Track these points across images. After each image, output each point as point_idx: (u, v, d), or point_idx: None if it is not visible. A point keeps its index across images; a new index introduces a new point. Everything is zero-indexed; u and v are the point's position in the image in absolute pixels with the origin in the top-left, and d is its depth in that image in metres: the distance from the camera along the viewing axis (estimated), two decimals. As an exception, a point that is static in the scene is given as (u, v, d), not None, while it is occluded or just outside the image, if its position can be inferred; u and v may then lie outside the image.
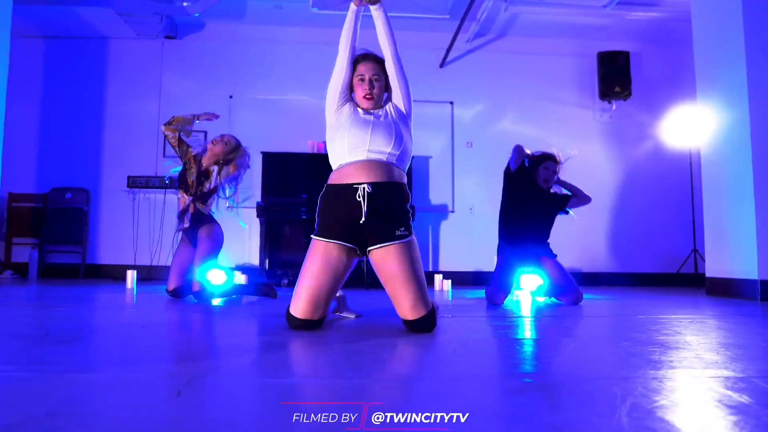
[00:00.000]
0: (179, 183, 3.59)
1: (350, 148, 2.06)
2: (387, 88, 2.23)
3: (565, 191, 3.82)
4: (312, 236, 2.08)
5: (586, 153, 6.37)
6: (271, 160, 5.64)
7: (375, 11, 2.19)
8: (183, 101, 6.19)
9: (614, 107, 6.35)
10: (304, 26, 6.11)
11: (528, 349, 1.81)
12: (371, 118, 2.12)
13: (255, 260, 5.88)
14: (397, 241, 1.99)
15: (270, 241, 5.52)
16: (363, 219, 1.98)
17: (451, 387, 1.25)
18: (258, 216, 5.38)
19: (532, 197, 3.64)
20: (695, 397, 1.14)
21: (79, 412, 0.99)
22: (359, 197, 1.98)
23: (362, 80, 2.16)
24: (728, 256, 4.36)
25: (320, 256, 2.00)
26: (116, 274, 5.86)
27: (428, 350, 1.72)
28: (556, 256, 3.66)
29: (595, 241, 6.25)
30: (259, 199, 5.57)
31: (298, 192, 5.47)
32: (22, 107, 5.88)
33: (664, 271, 6.18)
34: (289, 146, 5.89)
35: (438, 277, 5.03)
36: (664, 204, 6.30)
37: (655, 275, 6.19)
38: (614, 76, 6.17)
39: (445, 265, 6.07)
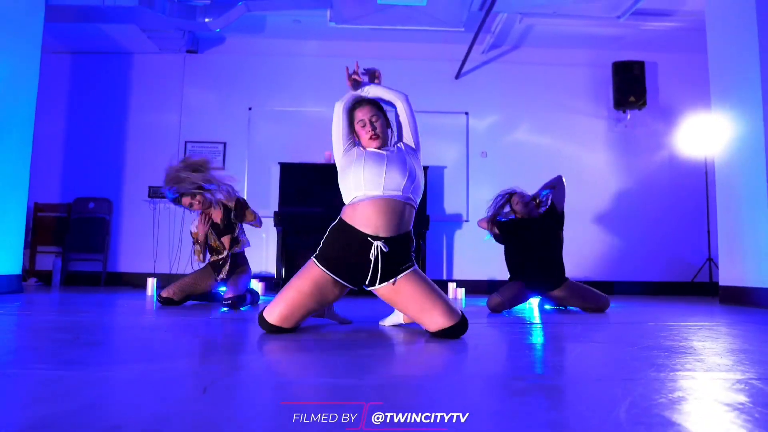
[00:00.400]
0: (209, 250, 3.65)
1: (366, 182, 2.07)
2: (388, 123, 2.28)
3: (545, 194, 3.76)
4: (313, 258, 2.12)
5: (601, 162, 6.40)
6: (288, 170, 5.74)
7: (367, 93, 2.25)
8: (204, 113, 6.36)
9: (629, 117, 6.37)
10: (321, 40, 6.24)
11: (535, 353, 1.86)
12: (385, 153, 2.15)
13: (272, 268, 5.98)
14: (405, 272, 2.08)
15: (286, 250, 5.60)
16: (368, 279, 2.07)
17: (453, 388, 1.30)
18: (275, 225, 5.48)
19: (526, 234, 3.64)
20: (693, 396, 1.18)
21: (106, 406, 1.07)
22: (372, 256, 2.04)
23: (363, 125, 2.20)
24: (742, 265, 4.36)
25: (313, 282, 2.06)
26: (136, 282, 6.00)
27: (434, 354, 1.77)
28: (567, 279, 3.61)
29: (609, 250, 6.24)
30: (276, 208, 5.68)
31: (314, 202, 5.56)
32: (48, 120, 6.06)
33: (678, 280, 6.15)
34: (306, 157, 6.00)
35: (452, 286, 5.07)
36: (678, 213, 6.28)
37: (669, 284, 6.16)
38: (629, 85, 6.18)
39: (459, 274, 6.11)
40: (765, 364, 1.59)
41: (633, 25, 5.78)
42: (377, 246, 2.03)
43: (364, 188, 2.08)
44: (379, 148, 2.18)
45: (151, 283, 4.80)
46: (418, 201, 2.16)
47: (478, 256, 6.08)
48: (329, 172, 5.91)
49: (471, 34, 5.67)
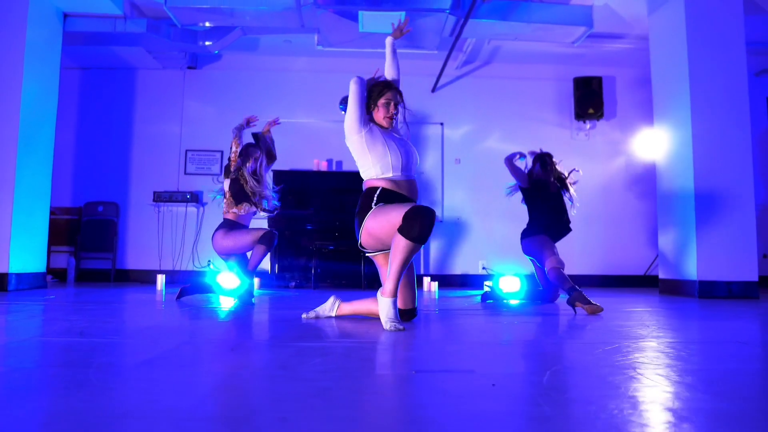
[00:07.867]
0: (240, 199, 4.12)
1: (402, 165, 2.50)
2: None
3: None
4: (374, 207, 2.47)
5: (564, 168, 7.05)
6: (281, 177, 6.36)
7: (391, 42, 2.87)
8: (203, 124, 6.96)
9: (588, 126, 7.05)
10: (310, 57, 6.85)
11: (520, 325, 2.50)
12: (405, 140, 2.58)
13: (265, 264, 6.60)
14: None
15: (279, 248, 6.22)
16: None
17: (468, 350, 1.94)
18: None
19: (551, 194, 4.43)
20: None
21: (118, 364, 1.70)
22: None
23: (388, 104, 2.53)
24: (675, 261, 5.05)
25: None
26: (143, 278, 6.61)
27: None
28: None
29: (571, 247, 6.90)
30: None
31: (305, 205, 6.19)
32: (60, 130, 6.59)
33: (632, 273, 6.86)
34: (297, 164, 6.63)
35: (426, 279, 5.73)
36: (632, 213, 6.98)
37: (624, 277, 6.87)
38: (588, 98, 6.86)
39: (434, 269, 6.77)
40: (671, 330, 2.25)
41: (590, 45, 6.43)
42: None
43: (400, 170, 2.51)
44: (388, 128, 2.57)
45: (161, 279, 5.43)
46: None
47: (452, 252, 6.76)
48: (318, 178, 6.61)
49: (444, 52, 6.31)
